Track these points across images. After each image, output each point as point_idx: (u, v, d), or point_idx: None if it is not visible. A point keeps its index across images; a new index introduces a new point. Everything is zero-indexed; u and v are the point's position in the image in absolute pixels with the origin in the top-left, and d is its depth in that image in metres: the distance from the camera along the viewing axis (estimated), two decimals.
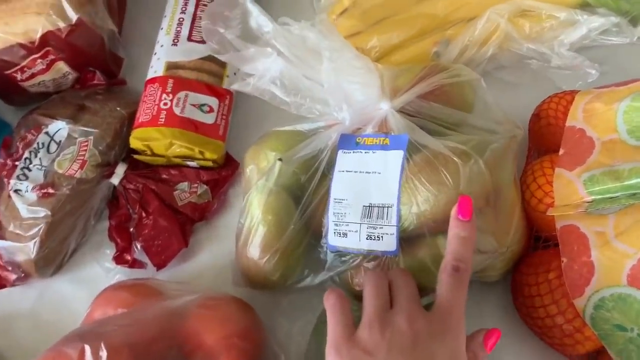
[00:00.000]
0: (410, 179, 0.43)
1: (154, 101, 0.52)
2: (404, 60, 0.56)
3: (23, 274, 0.51)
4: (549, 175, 0.47)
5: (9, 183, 0.51)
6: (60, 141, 0.52)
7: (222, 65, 0.56)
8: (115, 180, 0.54)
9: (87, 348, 0.38)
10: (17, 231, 0.50)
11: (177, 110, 0.52)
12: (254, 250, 0.46)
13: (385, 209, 0.44)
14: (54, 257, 0.52)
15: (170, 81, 0.53)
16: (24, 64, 0.54)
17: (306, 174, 0.47)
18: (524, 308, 0.46)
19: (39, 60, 0.54)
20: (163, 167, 0.55)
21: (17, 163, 0.52)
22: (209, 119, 0.53)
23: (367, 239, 0.44)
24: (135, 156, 0.54)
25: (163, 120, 0.51)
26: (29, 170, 0.51)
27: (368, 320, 0.36)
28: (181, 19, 0.57)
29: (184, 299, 0.46)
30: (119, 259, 0.53)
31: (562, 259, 0.42)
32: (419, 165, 0.43)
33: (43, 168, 0.51)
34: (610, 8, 0.55)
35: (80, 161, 0.51)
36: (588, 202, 0.43)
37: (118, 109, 0.55)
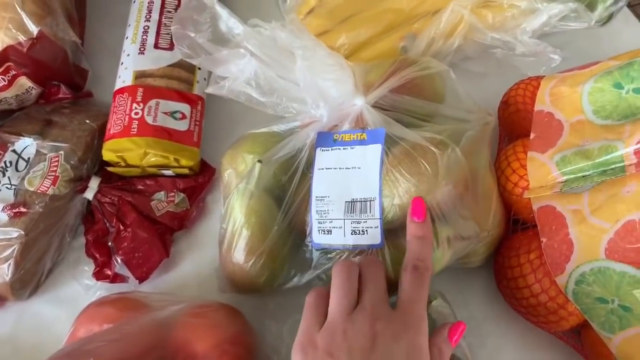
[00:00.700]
0: (391, 172, 0.43)
1: (125, 111, 0.51)
2: (372, 56, 0.56)
3: None
4: (522, 159, 0.48)
5: None
6: (28, 158, 0.50)
7: (192, 71, 0.56)
8: (89, 194, 0.52)
9: None
10: None
11: (149, 119, 0.51)
12: (239, 255, 0.46)
13: (368, 202, 0.44)
14: (30, 279, 0.50)
15: (140, 90, 0.52)
16: None
17: (286, 175, 0.47)
18: (508, 290, 0.47)
19: (0, 77, 0.52)
20: (138, 178, 0.54)
21: None
22: (182, 125, 0.52)
23: (351, 234, 0.44)
24: (109, 168, 0.53)
25: (135, 130, 0.50)
26: None
27: (332, 321, 0.36)
28: (146, 27, 0.56)
29: (171, 309, 0.45)
30: (99, 275, 0.51)
31: (541, 239, 0.44)
32: (398, 158, 0.44)
33: (13, 187, 0.49)
34: None
35: (52, 177, 0.50)
36: (562, 182, 0.45)
37: (87, 121, 0.54)
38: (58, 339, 0.45)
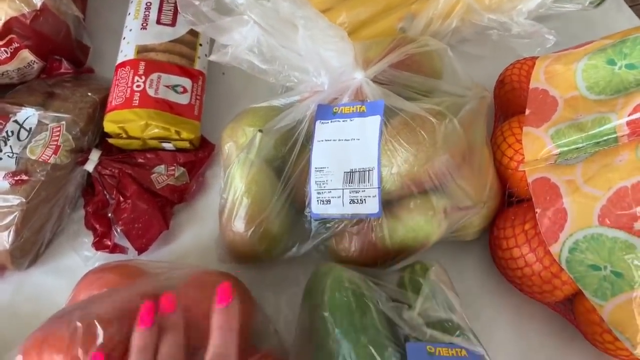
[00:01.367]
0: (389, 142, 0.44)
1: (127, 84, 0.52)
2: (372, 35, 0.57)
3: None
4: (517, 134, 0.49)
5: None
6: (30, 128, 0.51)
7: (193, 47, 0.56)
8: (89, 166, 0.53)
9: (79, 325, 0.37)
10: None
11: (150, 92, 0.52)
12: (239, 223, 0.46)
13: (366, 172, 0.45)
14: (29, 248, 0.51)
15: (142, 64, 0.53)
16: None
17: (286, 146, 0.48)
18: (503, 261, 0.48)
19: (2, 49, 0.53)
20: (138, 152, 0.54)
21: None
22: (183, 99, 0.53)
23: (350, 203, 0.45)
24: (110, 140, 0.53)
25: (137, 101, 0.51)
26: None
27: None
28: (149, 3, 0.57)
29: (170, 276, 0.45)
30: (98, 245, 0.51)
31: (536, 209, 0.45)
32: (397, 128, 0.44)
33: (14, 155, 0.49)
34: None
35: (54, 146, 0.50)
36: (556, 154, 0.46)
37: (89, 94, 0.54)
38: (57, 308, 0.45)
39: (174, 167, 0.54)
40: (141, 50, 0.54)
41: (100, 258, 0.53)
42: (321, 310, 0.40)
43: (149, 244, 0.52)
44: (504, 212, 0.49)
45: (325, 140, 0.47)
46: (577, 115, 0.46)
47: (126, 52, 0.54)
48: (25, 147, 0.50)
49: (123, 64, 0.54)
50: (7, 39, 0.52)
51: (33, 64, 0.56)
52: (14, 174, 0.48)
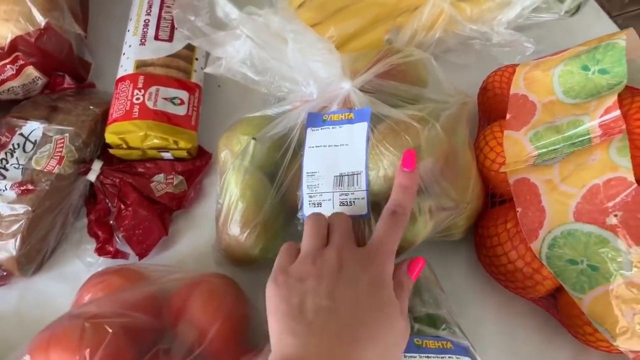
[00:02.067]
0: (376, 146, 0.47)
1: (127, 97, 0.55)
2: (359, 48, 0.60)
3: (5, 273, 0.52)
4: (499, 137, 0.52)
5: None
6: (35, 140, 0.53)
7: (190, 61, 0.59)
8: (92, 176, 0.55)
9: (87, 325, 0.40)
10: None
11: (149, 104, 0.54)
12: (235, 227, 0.49)
13: (355, 176, 0.47)
14: (35, 255, 0.53)
15: (141, 77, 0.56)
16: None
17: (279, 152, 0.50)
18: (488, 259, 0.50)
19: (8, 66, 0.56)
20: (138, 162, 0.57)
21: None
22: (180, 110, 0.56)
23: (340, 205, 0.47)
24: (111, 150, 0.56)
25: (137, 113, 0.54)
26: (6, 170, 0.52)
27: (304, 254, 0.39)
28: (147, 20, 0.59)
29: (169, 278, 0.48)
30: (101, 251, 0.54)
31: (517, 208, 0.47)
32: (383, 133, 0.47)
33: (20, 166, 0.52)
34: None
35: (58, 157, 0.53)
36: (535, 155, 0.48)
37: (91, 107, 0.57)
38: (62, 313, 0.47)
39: (172, 176, 0.57)
40: (140, 65, 0.57)
41: (103, 264, 0.55)
42: None
43: (149, 250, 0.54)
44: (488, 212, 0.51)
45: (316, 147, 0.49)
46: (554, 119, 0.48)
47: (126, 67, 0.57)
48: (30, 159, 0.52)
49: (123, 78, 0.56)
50: (13, 56, 0.55)
51: (37, 80, 0.59)
52: (20, 184, 0.51)
